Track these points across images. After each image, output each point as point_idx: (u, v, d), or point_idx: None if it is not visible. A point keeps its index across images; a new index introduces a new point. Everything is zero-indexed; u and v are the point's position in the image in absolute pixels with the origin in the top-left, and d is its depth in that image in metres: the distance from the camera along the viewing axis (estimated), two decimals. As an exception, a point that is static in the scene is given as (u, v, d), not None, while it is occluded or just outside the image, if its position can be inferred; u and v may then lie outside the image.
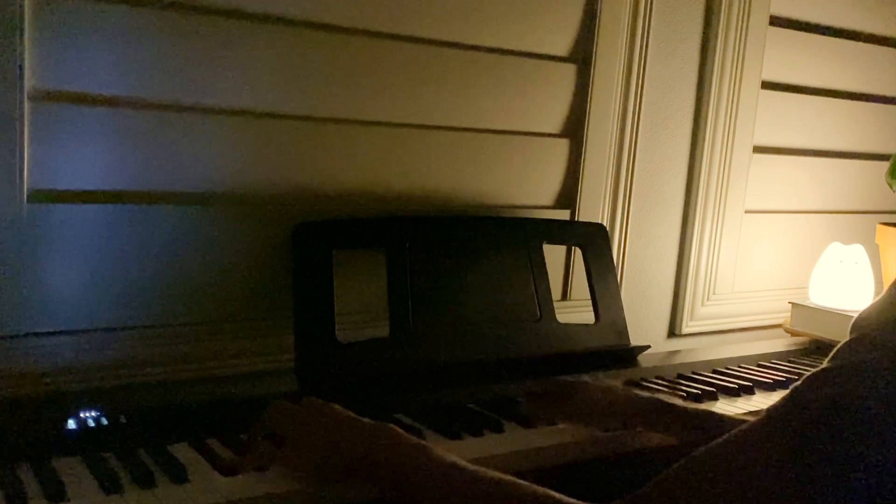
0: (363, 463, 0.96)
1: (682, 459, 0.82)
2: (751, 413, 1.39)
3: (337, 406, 1.04)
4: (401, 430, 0.98)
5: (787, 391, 0.78)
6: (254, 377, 1.37)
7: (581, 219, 1.72)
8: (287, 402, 1.06)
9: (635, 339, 1.65)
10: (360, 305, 1.44)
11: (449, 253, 1.47)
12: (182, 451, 1.06)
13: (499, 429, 1.22)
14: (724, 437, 0.80)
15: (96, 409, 1.12)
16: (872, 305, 0.79)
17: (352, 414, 1.02)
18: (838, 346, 0.78)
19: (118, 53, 1.24)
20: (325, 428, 1.01)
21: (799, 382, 0.78)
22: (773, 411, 0.79)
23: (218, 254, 1.36)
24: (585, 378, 1.43)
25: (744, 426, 0.80)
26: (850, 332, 0.78)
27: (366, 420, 1.01)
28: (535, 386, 1.35)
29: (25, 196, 1.19)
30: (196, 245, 1.33)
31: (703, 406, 1.40)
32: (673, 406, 1.24)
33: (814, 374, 0.77)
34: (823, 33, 2.06)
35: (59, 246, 1.23)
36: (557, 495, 0.84)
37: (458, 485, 0.89)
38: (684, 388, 1.47)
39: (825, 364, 0.77)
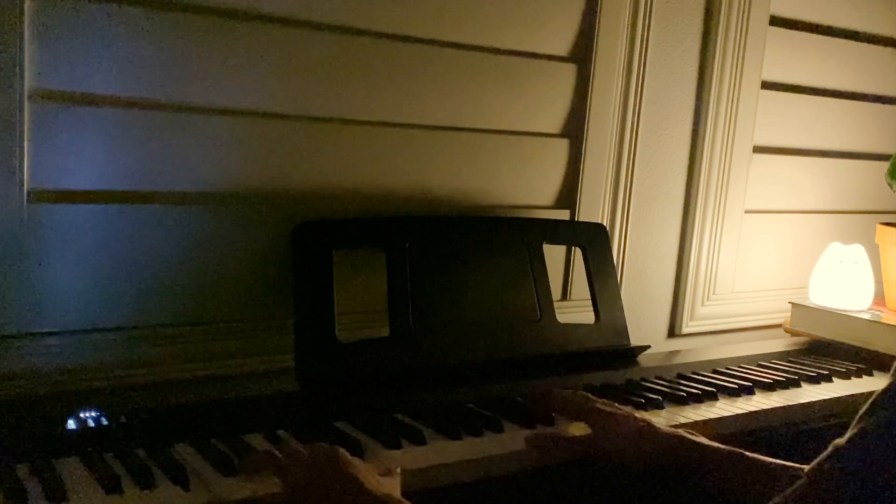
0: None
1: None
2: (751, 413, 1.39)
3: (347, 458, 0.98)
4: None
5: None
6: (253, 377, 1.37)
7: (581, 219, 1.72)
8: (296, 448, 1.02)
9: (635, 339, 1.65)
10: (360, 305, 1.44)
11: (449, 253, 1.47)
12: (182, 452, 1.06)
13: (499, 429, 1.22)
14: None
15: (96, 409, 1.12)
16: None
17: (360, 477, 0.95)
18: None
19: (118, 53, 1.24)
20: (330, 490, 0.95)
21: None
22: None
23: (217, 254, 1.36)
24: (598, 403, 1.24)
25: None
26: None
27: (376, 491, 0.94)
28: (539, 403, 1.27)
29: (25, 196, 1.19)
30: (196, 245, 1.33)
31: (705, 406, 1.40)
32: (701, 447, 1.15)
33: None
34: (823, 33, 2.06)
35: (58, 246, 1.23)
36: None
37: None
38: (684, 388, 1.46)
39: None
